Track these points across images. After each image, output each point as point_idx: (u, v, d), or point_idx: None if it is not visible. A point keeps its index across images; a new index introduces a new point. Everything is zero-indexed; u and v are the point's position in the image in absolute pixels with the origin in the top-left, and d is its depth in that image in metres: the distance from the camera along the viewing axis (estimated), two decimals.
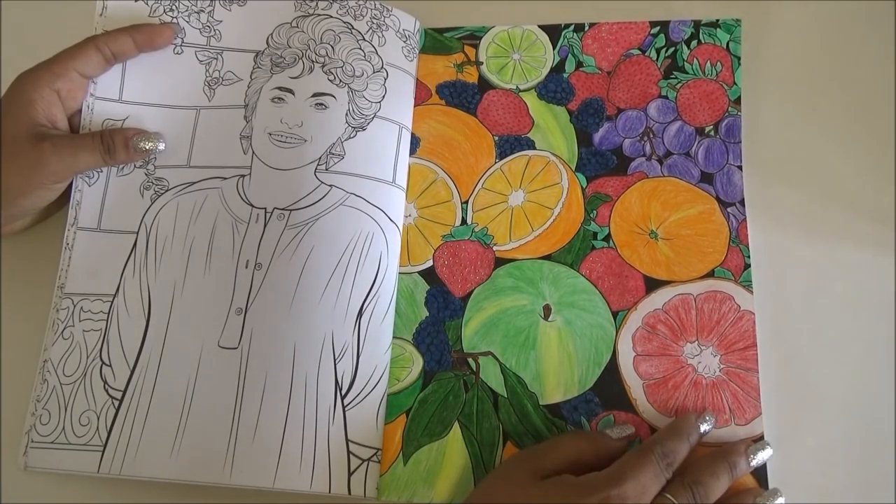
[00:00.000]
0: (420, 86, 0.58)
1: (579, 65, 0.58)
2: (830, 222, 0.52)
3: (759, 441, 0.47)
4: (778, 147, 0.54)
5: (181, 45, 0.56)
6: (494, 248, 0.54)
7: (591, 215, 0.54)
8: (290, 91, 0.54)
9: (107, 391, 0.50)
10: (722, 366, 0.49)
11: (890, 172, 0.53)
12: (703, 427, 0.47)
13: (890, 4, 0.56)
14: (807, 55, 0.56)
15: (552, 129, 0.57)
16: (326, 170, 0.53)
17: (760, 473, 0.47)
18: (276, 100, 0.54)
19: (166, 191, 0.54)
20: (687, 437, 0.46)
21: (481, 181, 0.56)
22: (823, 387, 0.49)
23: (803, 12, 0.57)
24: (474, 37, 0.60)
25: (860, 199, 0.53)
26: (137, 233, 0.53)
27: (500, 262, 0.54)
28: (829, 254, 0.52)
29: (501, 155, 0.56)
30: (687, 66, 0.56)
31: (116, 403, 0.50)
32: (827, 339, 0.50)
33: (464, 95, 0.58)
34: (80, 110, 0.54)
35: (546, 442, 0.47)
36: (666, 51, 0.57)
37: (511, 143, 0.57)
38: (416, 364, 0.52)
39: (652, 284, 0.52)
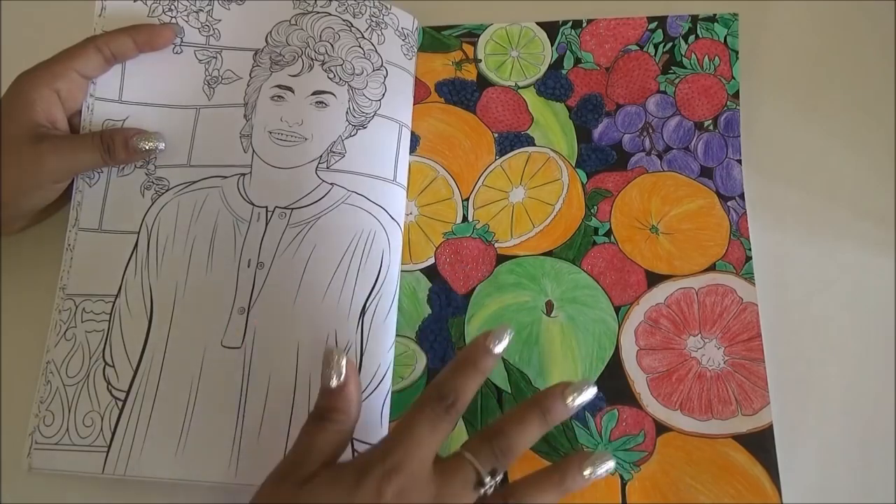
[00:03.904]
0: (419, 84, 0.59)
1: (578, 61, 0.58)
2: (829, 218, 0.53)
3: (580, 380, 0.44)
4: (776, 140, 0.55)
5: (180, 45, 0.56)
6: (496, 245, 0.54)
7: (592, 211, 0.54)
8: (290, 89, 0.54)
9: (110, 392, 0.50)
10: (726, 357, 0.49)
11: (890, 166, 0.53)
12: (497, 347, 0.43)
13: None
14: (804, 49, 0.57)
15: (551, 125, 0.57)
16: (327, 168, 0.53)
17: (771, 468, 0.47)
18: (275, 98, 0.54)
19: (167, 190, 0.54)
20: (472, 365, 0.43)
21: (482, 178, 0.56)
22: (824, 385, 0.49)
23: (800, 6, 0.58)
24: (472, 34, 0.60)
25: (859, 193, 0.53)
26: (138, 233, 0.53)
27: (501, 258, 0.54)
28: (829, 250, 0.52)
29: (501, 152, 0.57)
30: (685, 60, 0.56)
31: (120, 404, 0.50)
32: (827, 337, 0.50)
33: (463, 93, 0.58)
34: (80, 111, 0.54)
35: (293, 448, 0.43)
36: (664, 46, 0.57)
37: (511, 140, 0.57)
38: (420, 362, 0.52)
39: (653, 279, 0.52)
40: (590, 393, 0.44)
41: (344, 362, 0.43)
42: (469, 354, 0.44)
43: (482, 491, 0.41)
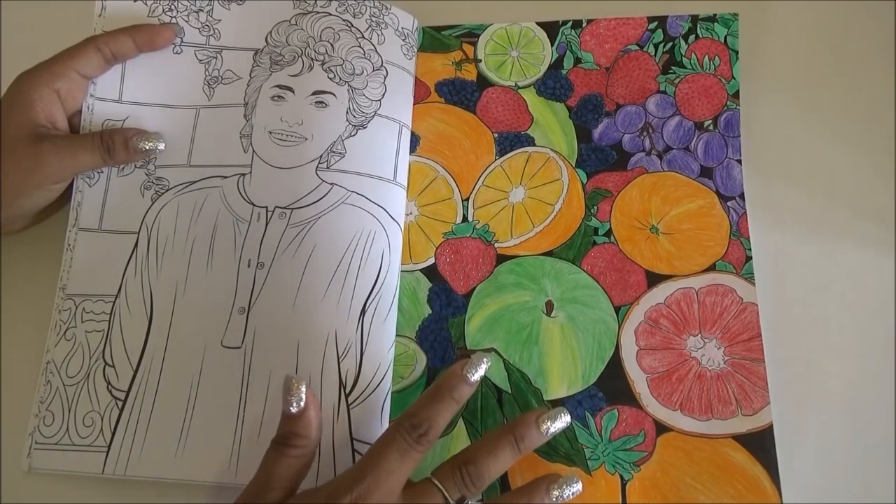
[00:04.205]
0: (419, 84, 0.59)
1: (578, 61, 0.58)
2: (829, 218, 0.53)
3: (555, 408, 0.44)
4: (776, 140, 0.55)
5: (180, 45, 0.56)
6: (496, 245, 0.54)
7: (592, 211, 0.54)
8: (290, 89, 0.54)
9: (110, 392, 0.50)
10: (726, 357, 0.49)
11: (890, 166, 0.53)
12: (473, 376, 0.43)
13: None
14: (804, 49, 0.57)
15: (551, 125, 0.57)
16: (328, 168, 0.53)
17: (771, 468, 0.47)
18: (276, 98, 0.54)
19: (167, 190, 0.54)
20: (447, 394, 0.43)
21: (482, 178, 0.56)
22: (824, 385, 0.49)
23: (800, 6, 0.58)
24: (472, 35, 0.60)
25: (859, 193, 0.53)
26: (138, 233, 0.53)
27: (501, 258, 0.54)
28: (829, 250, 0.52)
29: (501, 152, 0.57)
30: (685, 60, 0.56)
31: (120, 404, 0.50)
32: (827, 337, 0.50)
33: (463, 93, 0.58)
34: (80, 111, 0.54)
35: (256, 475, 0.44)
36: (664, 46, 0.57)
37: (511, 140, 0.57)
38: (420, 362, 0.52)
39: (653, 279, 0.52)
40: (564, 421, 0.44)
41: (304, 389, 0.43)
42: (444, 383, 0.44)
43: None
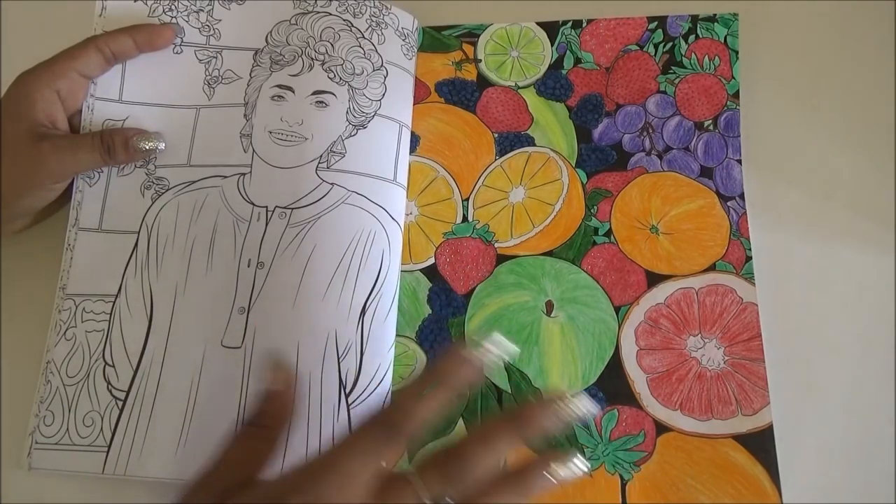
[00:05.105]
0: (419, 84, 0.59)
1: (578, 61, 0.58)
2: (829, 218, 0.53)
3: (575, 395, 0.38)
4: (776, 140, 0.55)
5: (181, 45, 0.56)
6: (496, 245, 0.54)
7: (592, 211, 0.54)
8: (290, 89, 0.54)
9: (110, 392, 0.50)
10: (726, 357, 0.49)
11: (890, 166, 0.53)
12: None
13: None
14: (804, 49, 0.57)
15: (551, 125, 0.57)
16: (328, 168, 0.53)
17: (771, 468, 0.47)
18: (276, 98, 0.54)
19: (167, 190, 0.54)
20: (431, 385, 0.38)
21: (482, 178, 0.56)
22: (824, 385, 0.49)
23: (800, 6, 0.58)
24: (472, 35, 0.60)
25: (859, 193, 0.53)
26: (139, 233, 0.53)
27: (501, 258, 0.54)
28: (829, 250, 0.52)
29: (501, 152, 0.57)
30: (685, 60, 0.56)
31: (120, 404, 0.50)
32: (827, 337, 0.50)
33: (463, 93, 0.58)
34: (81, 110, 0.54)
35: (218, 453, 0.41)
36: (664, 46, 0.57)
37: (511, 140, 0.57)
38: (420, 362, 0.52)
39: (653, 279, 0.52)
40: (580, 467, 0.37)
41: (286, 373, 0.43)
42: (428, 374, 0.39)
43: None
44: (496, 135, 0.57)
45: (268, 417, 0.42)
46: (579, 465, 0.37)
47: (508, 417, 0.38)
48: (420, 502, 0.35)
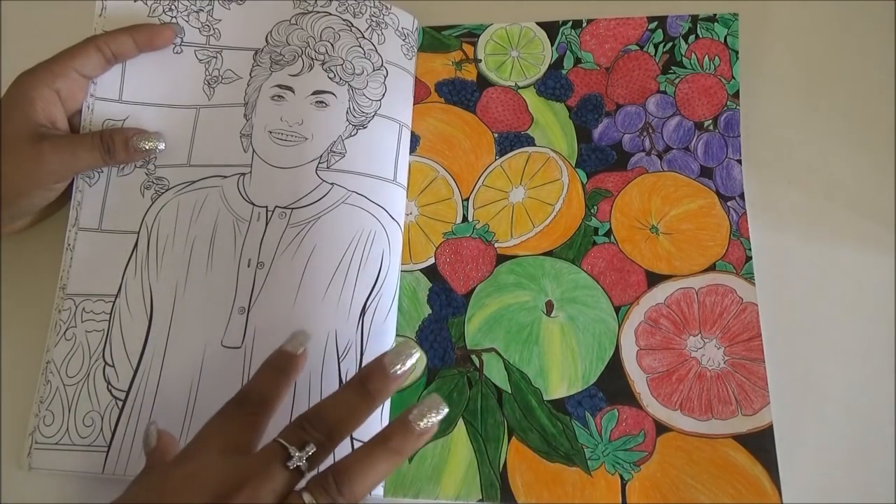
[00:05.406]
0: (419, 84, 0.59)
1: (578, 61, 0.58)
2: (829, 218, 0.53)
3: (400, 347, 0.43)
4: (776, 141, 0.55)
5: (180, 45, 0.56)
6: (496, 245, 0.54)
7: (592, 211, 0.54)
8: (290, 89, 0.54)
9: (110, 391, 0.50)
10: (726, 357, 0.49)
11: (890, 166, 0.53)
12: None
13: None
14: (804, 49, 0.57)
15: (551, 125, 0.57)
16: (328, 168, 0.53)
17: (771, 468, 0.47)
18: (276, 98, 0.54)
19: (167, 190, 0.54)
20: (277, 369, 0.44)
21: (482, 178, 0.56)
22: (823, 385, 0.49)
23: (800, 6, 0.58)
24: (472, 35, 0.60)
25: (859, 193, 0.53)
26: (138, 233, 0.53)
27: (501, 258, 0.54)
28: (829, 250, 0.52)
29: (501, 152, 0.57)
30: (685, 60, 0.56)
31: (120, 404, 0.50)
32: (827, 337, 0.50)
33: (463, 93, 0.58)
34: (80, 110, 0.54)
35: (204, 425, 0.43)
36: (664, 46, 0.57)
37: (511, 140, 0.57)
38: (420, 361, 0.52)
39: (653, 279, 0.52)
40: (413, 358, 0.42)
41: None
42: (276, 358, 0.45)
43: (292, 465, 0.39)
44: (496, 135, 0.57)
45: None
46: (434, 404, 0.41)
47: (353, 379, 0.42)
48: (284, 449, 0.39)
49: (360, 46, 0.55)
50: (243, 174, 0.54)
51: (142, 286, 0.52)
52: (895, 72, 0.55)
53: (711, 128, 0.55)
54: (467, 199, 0.56)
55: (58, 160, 0.50)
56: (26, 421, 0.51)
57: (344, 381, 0.49)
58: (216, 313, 0.51)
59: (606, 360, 0.51)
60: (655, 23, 0.58)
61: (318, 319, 0.50)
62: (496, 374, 0.51)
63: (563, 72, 0.58)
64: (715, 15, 0.57)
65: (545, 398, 0.50)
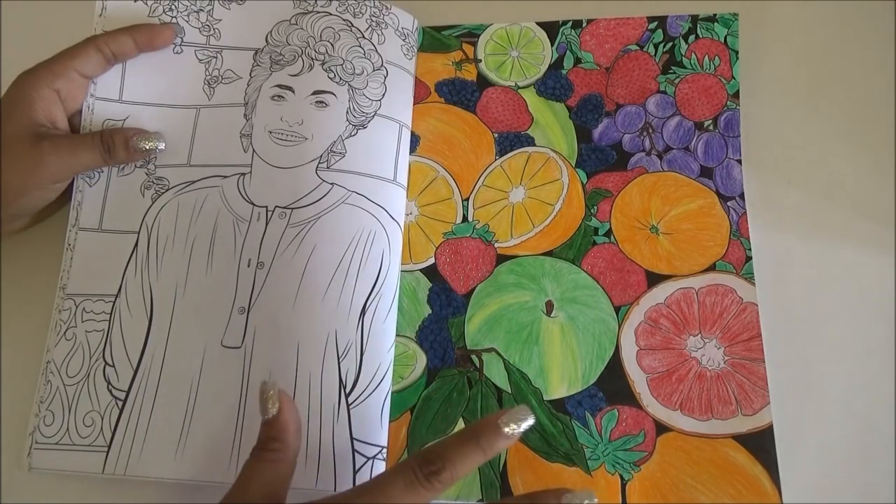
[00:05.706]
0: (419, 84, 0.59)
1: (578, 61, 0.58)
2: (829, 218, 0.53)
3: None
4: (776, 140, 0.55)
5: (181, 45, 0.56)
6: (496, 245, 0.54)
7: (592, 211, 0.54)
8: (290, 89, 0.54)
9: (110, 391, 0.50)
10: (726, 357, 0.49)
11: (890, 166, 0.53)
12: (506, 427, 0.40)
13: None
14: (804, 49, 0.57)
15: (551, 125, 0.57)
16: (328, 168, 0.53)
17: (771, 468, 0.47)
18: (276, 98, 0.54)
19: (167, 190, 0.54)
20: (473, 438, 0.40)
21: (482, 178, 0.56)
22: (823, 385, 0.49)
23: (800, 6, 0.58)
24: (472, 35, 0.60)
25: (859, 193, 0.53)
26: (139, 232, 0.53)
27: (501, 258, 0.54)
28: (829, 250, 0.52)
29: (501, 152, 0.57)
30: (685, 60, 0.56)
31: (120, 404, 0.50)
32: (827, 337, 0.50)
33: (463, 93, 0.58)
34: (80, 110, 0.54)
35: (234, 483, 0.43)
36: (664, 46, 0.57)
37: (511, 140, 0.57)
38: (420, 362, 0.52)
39: (653, 279, 0.52)
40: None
41: (276, 392, 0.43)
42: (475, 427, 0.41)
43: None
44: (496, 135, 0.57)
45: (272, 442, 0.42)
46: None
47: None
48: None
49: (360, 46, 0.55)
50: (243, 174, 0.54)
51: (142, 286, 0.52)
52: (895, 72, 0.55)
53: (711, 128, 0.55)
54: (467, 199, 0.56)
55: (58, 160, 0.50)
56: (26, 421, 0.51)
57: (344, 382, 0.49)
58: (216, 313, 0.51)
59: (606, 360, 0.51)
60: (655, 23, 0.58)
61: (318, 319, 0.50)
62: (496, 374, 0.51)
63: (563, 72, 0.58)
64: (715, 15, 0.57)
65: (545, 398, 0.50)
